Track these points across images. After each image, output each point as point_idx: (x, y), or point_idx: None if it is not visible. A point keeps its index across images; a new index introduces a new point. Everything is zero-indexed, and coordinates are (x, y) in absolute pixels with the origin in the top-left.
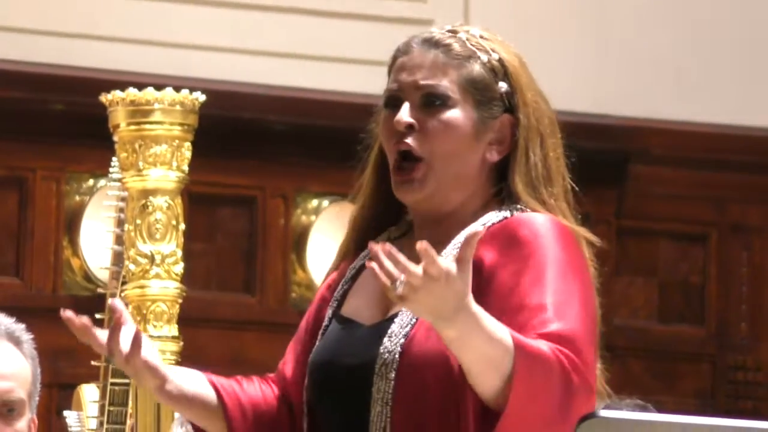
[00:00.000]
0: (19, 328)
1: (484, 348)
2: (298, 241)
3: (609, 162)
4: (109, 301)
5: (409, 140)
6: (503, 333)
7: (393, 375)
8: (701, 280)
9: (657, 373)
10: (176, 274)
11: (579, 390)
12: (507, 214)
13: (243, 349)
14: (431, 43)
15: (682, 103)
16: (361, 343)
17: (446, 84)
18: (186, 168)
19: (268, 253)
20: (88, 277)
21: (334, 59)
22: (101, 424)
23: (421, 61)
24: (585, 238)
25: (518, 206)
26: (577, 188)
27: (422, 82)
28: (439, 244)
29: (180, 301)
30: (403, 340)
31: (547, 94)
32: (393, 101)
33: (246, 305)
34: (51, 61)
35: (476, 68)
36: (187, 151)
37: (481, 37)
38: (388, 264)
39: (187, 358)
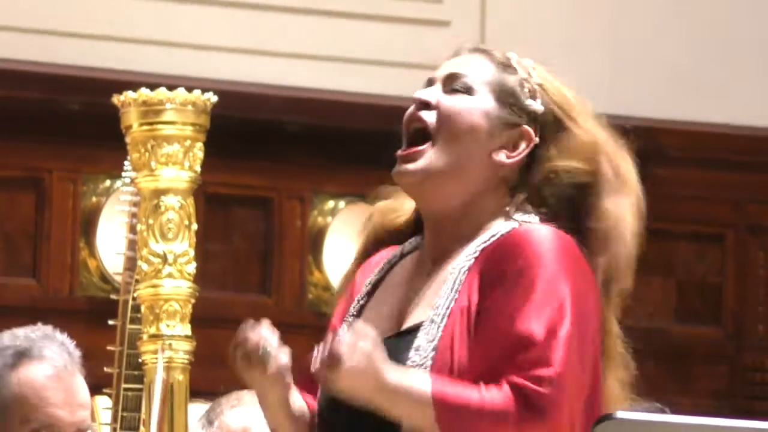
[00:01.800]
0: (76, 350)
1: (407, 409)
2: (314, 242)
3: None
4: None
5: (423, 114)
6: (423, 387)
7: None
8: (719, 280)
9: (674, 373)
10: (189, 274)
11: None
12: (515, 225)
13: None
14: (479, 50)
15: (699, 104)
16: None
17: (474, 77)
18: (198, 168)
19: (285, 254)
20: (105, 278)
21: (349, 60)
22: (114, 430)
23: (462, 59)
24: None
25: (526, 216)
26: None
27: (453, 71)
28: (449, 249)
29: (193, 300)
30: (433, 353)
31: None
32: (427, 84)
33: (262, 306)
34: (67, 62)
35: (510, 78)
36: (199, 151)
37: (532, 66)
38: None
39: (203, 358)
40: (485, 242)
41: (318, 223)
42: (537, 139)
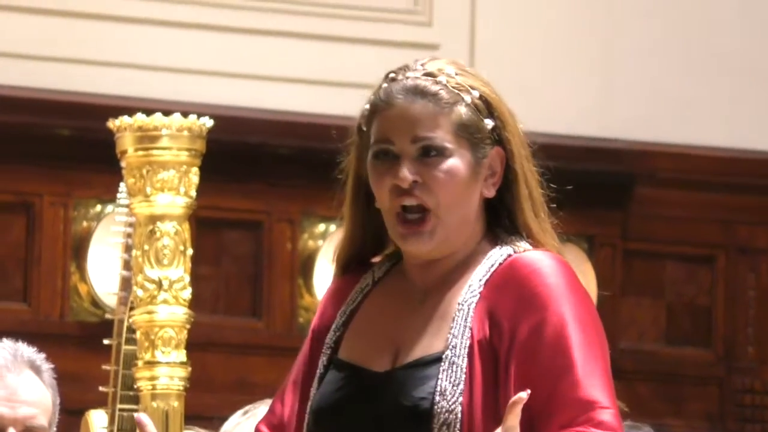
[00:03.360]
0: (40, 358)
1: None
2: (304, 265)
3: (615, 185)
4: (136, 416)
5: (417, 193)
6: None
7: None
8: (708, 302)
9: (664, 396)
10: (184, 300)
11: None
12: (510, 251)
13: (249, 373)
14: (415, 92)
15: (688, 126)
16: (384, 391)
17: (441, 134)
18: (194, 193)
19: (275, 277)
20: (96, 302)
21: (341, 84)
22: None
23: (410, 113)
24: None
25: (516, 241)
26: (564, 208)
27: (418, 135)
28: (440, 279)
29: (188, 326)
30: (460, 398)
31: (553, 118)
32: (384, 154)
33: (252, 329)
34: (58, 87)
35: (463, 111)
36: (194, 177)
37: (457, 74)
38: None
39: (193, 382)
40: (486, 275)
41: (308, 246)
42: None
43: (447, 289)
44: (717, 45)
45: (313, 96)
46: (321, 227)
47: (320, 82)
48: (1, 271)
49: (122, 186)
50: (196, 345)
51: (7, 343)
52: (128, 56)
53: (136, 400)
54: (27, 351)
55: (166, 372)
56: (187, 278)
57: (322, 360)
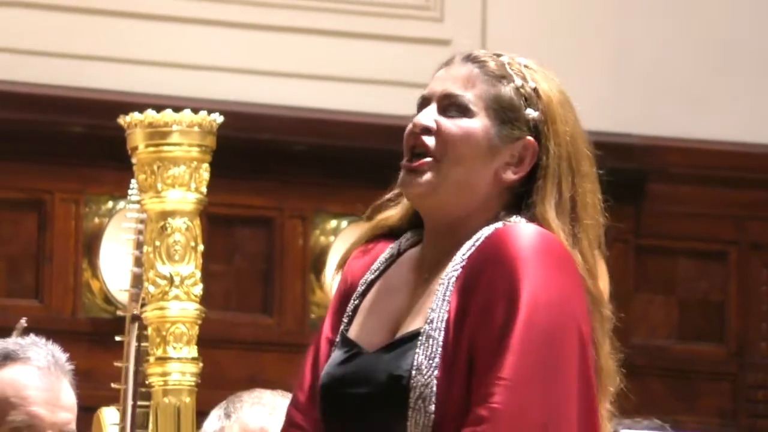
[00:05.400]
0: (65, 358)
1: None
2: (316, 261)
3: (628, 180)
4: None
5: (425, 139)
6: None
7: (432, 408)
8: (721, 298)
9: (677, 392)
10: (195, 296)
11: None
12: (499, 225)
13: (261, 370)
14: (471, 58)
15: (701, 122)
16: (372, 371)
17: (470, 96)
18: (204, 189)
19: (287, 273)
20: (108, 299)
21: (352, 80)
22: None
23: (455, 72)
24: (585, 283)
25: (516, 217)
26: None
27: (448, 91)
28: (445, 256)
29: (199, 322)
30: (436, 372)
31: None
32: (422, 105)
33: (264, 326)
34: (69, 84)
35: (506, 89)
36: (205, 173)
37: (525, 66)
38: None
39: (205, 378)
40: (470, 248)
41: (320, 242)
42: (537, 146)
43: (445, 265)
44: (729, 40)
45: (324, 92)
46: (333, 224)
47: (332, 78)
48: (13, 268)
49: (133, 182)
50: (207, 341)
51: (42, 343)
52: (139, 53)
53: (148, 396)
54: (61, 354)
55: (177, 368)
56: (198, 274)
57: (341, 329)
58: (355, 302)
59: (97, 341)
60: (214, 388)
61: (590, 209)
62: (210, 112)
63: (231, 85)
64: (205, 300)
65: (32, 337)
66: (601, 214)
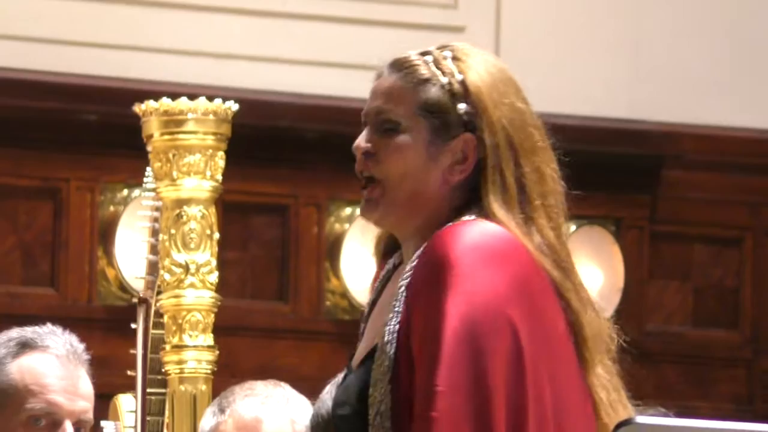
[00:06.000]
0: (82, 348)
1: None
2: (331, 249)
3: (643, 167)
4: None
5: (368, 163)
6: None
7: (389, 424)
8: (736, 284)
9: (692, 378)
10: (211, 284)
11: None
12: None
13: (276, 357)
14: (396, 66)
15: (716, 108)
16: (344, 390)
17: (399, 110)
18: (220, 177)
19: (302, 261)
20: (123, 287)
21: (366, 67)
22: None
23: (383, 86)
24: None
25: (468, 215)
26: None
27: (378, 107)
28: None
29: (215, 310)
30: (389, 386)
31: (580, 100)
32: (363, 124)
33: (279, 313)
34: (84, 72)
35: (433, 91)
36: (220, 161)
37: (454, 58)
38: None
39: (220, 366)
40: (417, 257)
41: (335, 230)
42: (475, 139)
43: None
44: (746, 26)
45: (339, 79)
46: (347, 211)
47: (346, 65)
48: (28, 256)
49: (149, 170)
50: (223, 329)
51: (59, 332)
52: (154, 41)
53: (164, 384)
54: (79, 344)
55: (193, 356)
56: (214, 262)
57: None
58: (363, 325)
59: (113, 329)
60: (229, 375)
61: (548, 181)
62: (225, 99)
63: (246, 72)
64: (220, 288)
65: (49, 326)
66: (559, 183)
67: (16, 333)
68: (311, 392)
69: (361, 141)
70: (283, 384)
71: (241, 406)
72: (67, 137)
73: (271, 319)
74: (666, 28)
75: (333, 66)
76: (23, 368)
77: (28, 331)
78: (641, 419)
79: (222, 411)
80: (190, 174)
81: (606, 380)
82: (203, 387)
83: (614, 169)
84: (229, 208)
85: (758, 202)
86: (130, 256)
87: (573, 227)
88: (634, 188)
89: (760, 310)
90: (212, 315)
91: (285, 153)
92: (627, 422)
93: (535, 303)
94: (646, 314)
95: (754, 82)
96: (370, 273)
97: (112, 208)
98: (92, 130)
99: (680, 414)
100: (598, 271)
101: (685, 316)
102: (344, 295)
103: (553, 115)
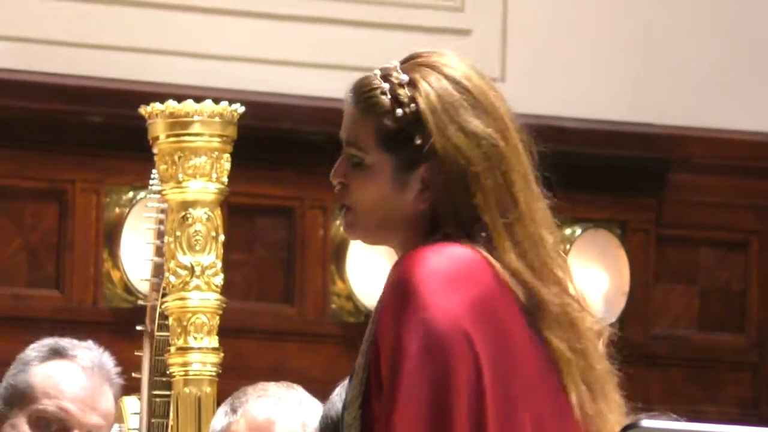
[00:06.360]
0: (115, 370)
1: None
2: (337, 251)
3: (649, 170)
4: None
5: (342, 193)
6: None
7: None
8: (742, 287)
9: (698, 382)
10: (216, 286)
11: None
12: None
13: (282, 360)
14: (355, 94)
15: (722, 111)
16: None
17: (362, 144)
18: (225, 179)
19: (307, 263)
20: (129, 289)
21: (373, 69)
22: None
23: (347, 115)
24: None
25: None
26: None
27: (346, 140)
28: None
29: (220, 312)
30: (360, 411)
31: (586, 102)
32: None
33: (285, 316)
34: (90, 74)
35: (390, 125)
36: (226, 163)
37: (410, 83)
38: None
39: (226, 368)
40: (386, 278)
41: (341, 232)
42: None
43: None
44: (753, 28)
45: (345, 82)
46: None
47: (352, 67)
48: (34, 258)
49: (154, 172)
50: (228, 331)
51: (95, 347)
52: (160, 43)
53: (169, 386)
54: (111, 363)
55: (198, 358)
56: (219, 264)
57: None
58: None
59: (118, 331)
60: (235, 377)
61: (505, 199)
62: (231, 102)
63: (252, 75)
64: (225, 290)
65: (90, 342)
66: (525, 192)
67: (52, 340)
68: (317, 395)
69: (333, 171)
70: (296, 386)
71: (254, 407)
72: (72, 139)
73: (276, 321)
74: (673, 31)
75: (339, 69)
76: (45, 372)
77: (64, 341)
78: (646, 423)
79: (234, 411)
80: (195, 176)
81: (588, 397)
82: (208, 389)
83: (620, 172)
84: (235, 211)
85: (764, 206)
86: (135, 258)
87: (578, 230)
88: (640, 191)
89: (767, 313)
90: (217, 317)
91: (291, 155)
92: (632, 426)
93: (499, 322)
94: (652, 318)
95: (761, 84)
96: (375, 275)
97: (117, 210)
98: (98, 132)
99: (688, 418)
100: (603, 274)
101: (691, 320)
102: (350, 297)
103: (559, 118)
